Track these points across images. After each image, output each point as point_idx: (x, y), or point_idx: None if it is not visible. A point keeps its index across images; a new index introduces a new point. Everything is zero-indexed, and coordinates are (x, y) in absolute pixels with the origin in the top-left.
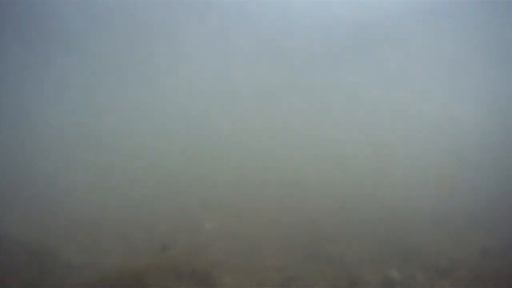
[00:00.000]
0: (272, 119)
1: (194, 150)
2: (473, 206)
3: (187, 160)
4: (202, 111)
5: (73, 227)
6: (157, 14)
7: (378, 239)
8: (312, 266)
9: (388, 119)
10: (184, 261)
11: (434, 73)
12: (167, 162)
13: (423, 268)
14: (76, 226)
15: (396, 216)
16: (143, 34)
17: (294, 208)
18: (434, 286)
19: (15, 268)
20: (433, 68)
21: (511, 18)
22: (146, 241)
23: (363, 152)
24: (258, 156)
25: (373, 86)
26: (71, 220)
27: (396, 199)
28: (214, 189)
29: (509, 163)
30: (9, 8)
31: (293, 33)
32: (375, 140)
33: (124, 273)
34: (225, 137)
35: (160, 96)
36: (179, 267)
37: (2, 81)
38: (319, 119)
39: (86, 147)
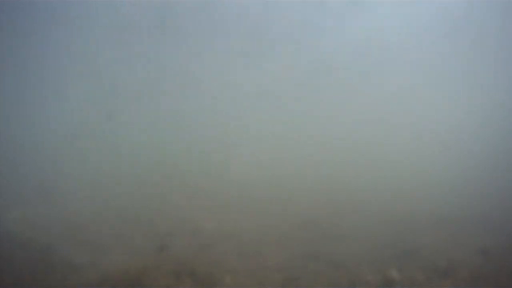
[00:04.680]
0: (272, 120)
1: (195, 150)
2: (473, 206)
3: (187, 160)
4: (203, 111)
5: (73, 227)
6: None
7: (378, 239)
8: (312, 266)
9: (387, 121)
10: (184, 261)
11: (434, 76)
12: (167, 162)
13: (423, 268)
14: (76, 226)
15: (396, 216)
16: (143, 34)
17: (295, 208)
18: (434, 286)
19: (15, 268)
20: (433, 71)
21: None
22: (146, 241)
23: (363, 153)
24: (258, 157)
25: (375, 88)
26: (71, 220)
27: (396, 199)
28: (214, 189)
29: (509, 163)
30: (8, 8)
31: (294, 36)
32: (375, 142)
33: (124, 273)
34: (226, 137)
35: (160, 96)
36: (179, 267)
37: (1, 81)
38: (319, 121)
39: (86, 147)
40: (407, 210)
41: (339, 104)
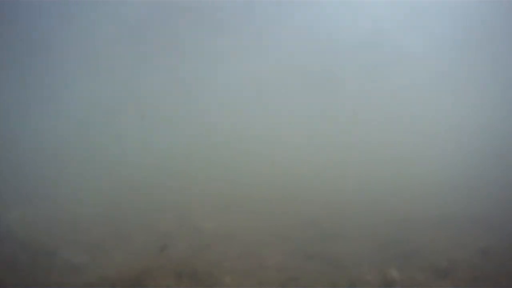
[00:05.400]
0: (273, 121)
1: (195, 150)
2: (473, 206)
3: (188, 160)
4: (203, 111)
5: (73, 227)
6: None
7: (378, 239)
8: (312, 266)
9: (387, 122)
10: (184, 261)
11: (436, 77)
12: (167, 162)
13: (423, 268)
14: (76, 226)
15: (396, 216)
16: (143, 35)
17: (294, 209)
18: (434, 287)
19: (15, 268)
20: (434, 72)
21: None
22: (146, 241)
23: (363, 153)
24: (258, 157)
25: (375, 89)
26: (71, 220)
27: (396, 199)
28: (214, 189)
29: (509, 163)
30: (9, 9)
31: (297, 36)
32: (375, 142)
33: (124, 273)
34: (226, 138)
35: (160, 96)
36: (179, 267)
37: (2, 81)
38: (320, 121)
39: (86, 147)
40: (407, 210)
41: (339, 105)
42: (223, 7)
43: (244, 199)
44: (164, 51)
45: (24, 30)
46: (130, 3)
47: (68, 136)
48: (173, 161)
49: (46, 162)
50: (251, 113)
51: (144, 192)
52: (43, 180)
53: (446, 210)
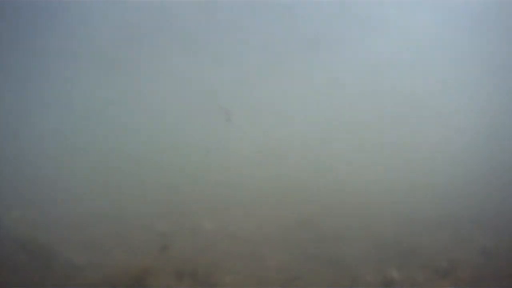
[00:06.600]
0: (273, 120)
1: (194, 149)
2: (473, 206)
3: (187, 160)
4: (201, 110)
5: (73, 227)
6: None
7: (378, 239)
8: (312, 266)
9: (387, 121)
10: (185, 261)
11: (439, 79)
12: (167, 161)
13: (423, 268)
14: (76, 226)
15: (396, 216)
16: (143, 33)
17: (295, 209)
18: (434, 286)
19: (15, 268)
20: (436, 73)
21: None
22: (146, 241)
23: (364, 152)
24: (258, 156)
25: (376, 88)
26: (71, 220)
27: (396, 199)
28: (214, 189)
29: (509, 163)
30: (9, 10)
31: (295, 20)
32: (376, 141)
33: (125, 273)
34: (225, 137)
35: (159, 95)
36: (179, 267)
37: (2, 81)
38: (319, 121)
39: (86, 147)
40: (407, 210)
41: (339, 104)
42: None
43: (245, 199)
44: (162, 49)
45: (25, 30)
46: None
47: (68, 135)
48: (173, 160)
49: (46, 162)
50: (250, 114)
51: (144, 191)
52: (43, 180)
53: (446, 210)
